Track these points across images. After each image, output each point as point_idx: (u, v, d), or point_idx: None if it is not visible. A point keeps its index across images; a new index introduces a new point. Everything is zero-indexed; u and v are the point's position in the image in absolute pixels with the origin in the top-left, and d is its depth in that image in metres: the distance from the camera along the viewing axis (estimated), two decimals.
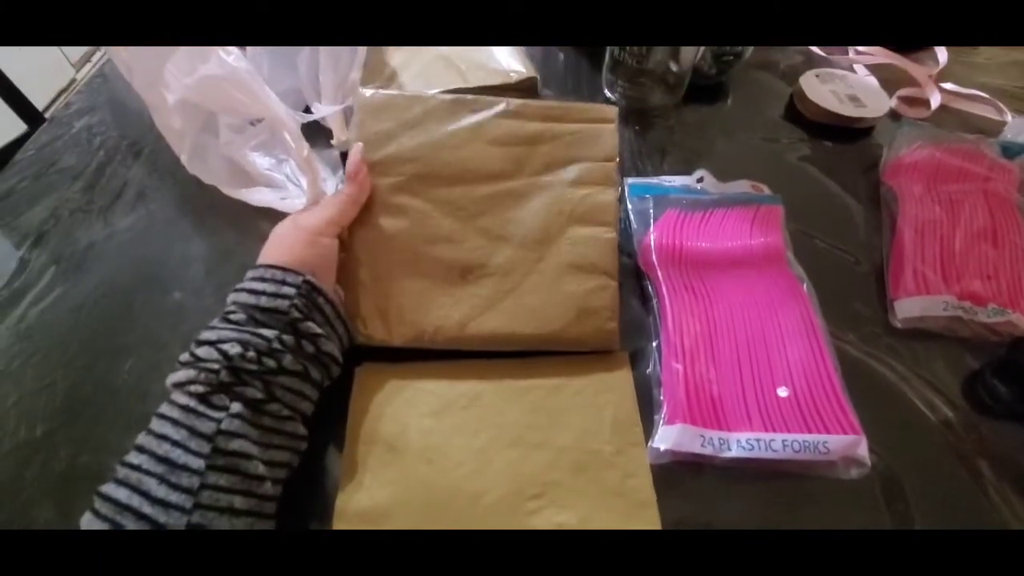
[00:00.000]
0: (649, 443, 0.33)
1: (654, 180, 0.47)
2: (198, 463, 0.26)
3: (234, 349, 0.28)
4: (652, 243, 0.41)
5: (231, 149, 0.44)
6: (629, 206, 0.44)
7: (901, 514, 0.31)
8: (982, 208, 0.42)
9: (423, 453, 0.33)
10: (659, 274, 0.39)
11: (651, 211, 0.43)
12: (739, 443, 0.32)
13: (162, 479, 0.25)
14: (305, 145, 0.38)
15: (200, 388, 0.27)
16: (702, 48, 0.52)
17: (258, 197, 0.42)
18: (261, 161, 0.45)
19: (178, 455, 0.26)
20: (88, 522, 0.25)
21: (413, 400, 0.35)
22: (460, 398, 0.35)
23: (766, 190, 0.45)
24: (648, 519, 0.30)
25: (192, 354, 0.29)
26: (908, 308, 0.38)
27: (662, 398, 0.34)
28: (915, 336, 0.38)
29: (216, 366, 0.28)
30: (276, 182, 0.44)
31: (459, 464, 0.32)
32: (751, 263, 0.40)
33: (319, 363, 0.32)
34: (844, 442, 0.31)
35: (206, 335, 0.29)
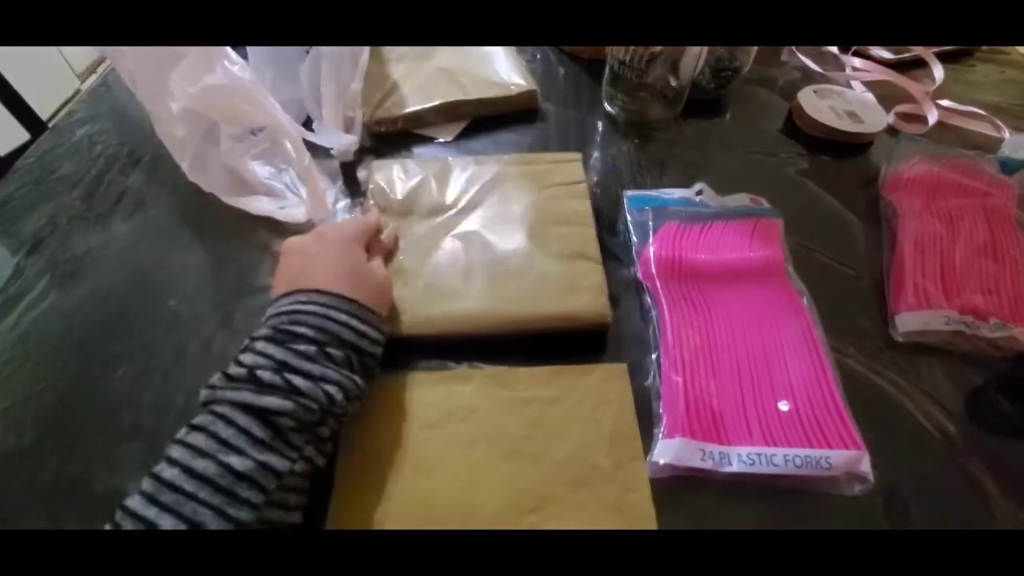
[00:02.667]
0: (648, 457, 0.32)
1: (653, 193, 0.47)
2: (260, 499, 0.24)
3: (339, 395, 0.27)
4: (651, 255, 0.41)
5: (232, 158, 0.44)
6: (628, 218, 0.44)
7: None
8: (982, 223, 0.42)
9: (418, 466, 0.32)
10: (658, 286, 0.39)
11: (650, 223, 0.43)
12: (740, 458, 0.31)
13: (219, 512, 0.23)
14: (307, 154, 0.38)
15: (290, 423, 0.25)
16: (701, 63, 0.53)
17: (257, 206, 0.42)
18: (261, 170, 0.45)
19: (242, 488, 0.24)
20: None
21: (408, 412, 0.34)
22: (456, 410, 0.34)
23: (765, 203, 0.45)
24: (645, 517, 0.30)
25: (288, 383, 0.26)
26: (909, 322, 0.38)
27: (661, 411, 0.34)
28: (917, 350, 0.38)
29: (315, 407, 0.26)
30: (276, 191, 0.44)
31: (455, 477, 0.32)
32: (751, 276, 0.40)
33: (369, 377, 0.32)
34: (846, 457, 0.31)
35: (306, 366, 0.27)
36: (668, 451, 0.31)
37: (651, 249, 0.41)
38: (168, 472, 0.24)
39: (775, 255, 0.41)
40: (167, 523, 0.22)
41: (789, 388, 0.34)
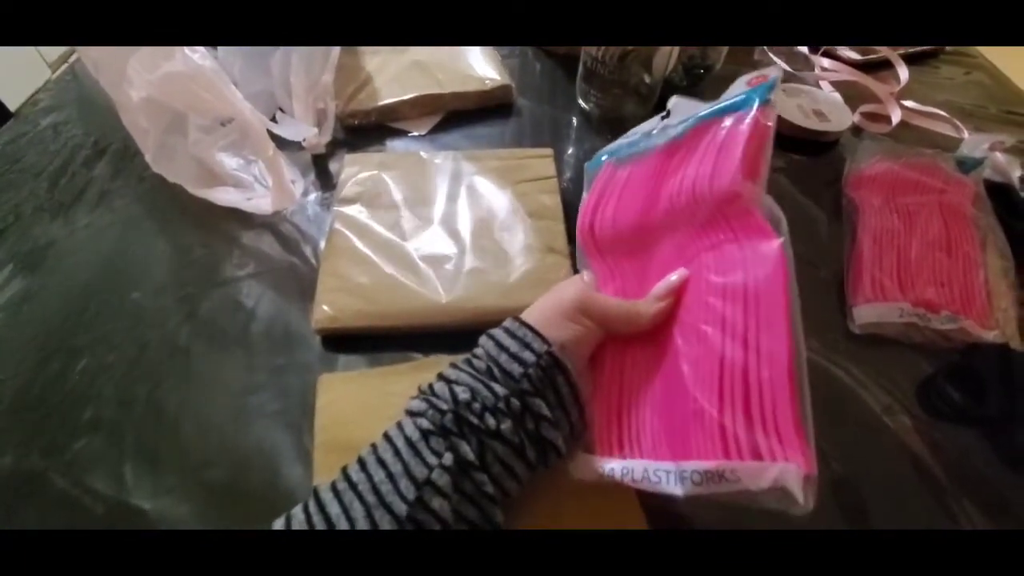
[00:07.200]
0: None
1: (613, 146, 0.40)
2: (401, 508, 0.24)
3: (463, 395, 0.27)
4: (581, 223, 0.37)
5: (200, 149, 0.44)
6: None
7: (859, 522, 0.31)
8: (937, 219, 0.44)
9: None
10: (589, 260, 0.37)
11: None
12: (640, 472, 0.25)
13: (368, 513, 0.24)
14: (270, 144, 0.38)
15: (425, 424, 0.26)
16: (673, 60, 0.53)
17: (224, 197, 0.42)
18: (230, 161, 0.44)
19: (387, 491, 0.25)
20: (296, 514, 0.25)
21: (379, 405, 0.34)
22: None
23: (772, 75, 0.29)
24: (630, 514, 0.30)
25: (430, 385, 0.28)
26: (866, 314, 0.39)
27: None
28: (873, 342, 0.39)
29: (444, 407, 0.27)
30: (244, 182, 0.44)
31: None
32: (699, 207, 0.29)
33: (538, 445, 0.28)
34: (764, 471, 0.21)
35: (448, 372, 0.29)
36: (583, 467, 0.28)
37: (581, 214, 0.37)
38: (352, 464, 0.26)
39: (729, 166, 0.27)
40: (333, 512, 0.24)
41: (718, 378, 0.25)
